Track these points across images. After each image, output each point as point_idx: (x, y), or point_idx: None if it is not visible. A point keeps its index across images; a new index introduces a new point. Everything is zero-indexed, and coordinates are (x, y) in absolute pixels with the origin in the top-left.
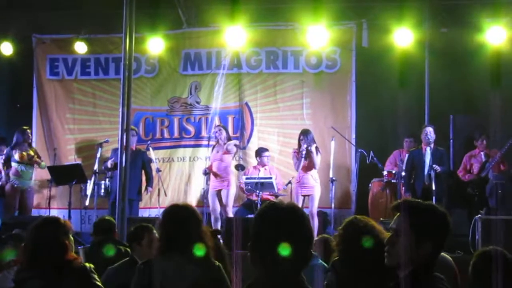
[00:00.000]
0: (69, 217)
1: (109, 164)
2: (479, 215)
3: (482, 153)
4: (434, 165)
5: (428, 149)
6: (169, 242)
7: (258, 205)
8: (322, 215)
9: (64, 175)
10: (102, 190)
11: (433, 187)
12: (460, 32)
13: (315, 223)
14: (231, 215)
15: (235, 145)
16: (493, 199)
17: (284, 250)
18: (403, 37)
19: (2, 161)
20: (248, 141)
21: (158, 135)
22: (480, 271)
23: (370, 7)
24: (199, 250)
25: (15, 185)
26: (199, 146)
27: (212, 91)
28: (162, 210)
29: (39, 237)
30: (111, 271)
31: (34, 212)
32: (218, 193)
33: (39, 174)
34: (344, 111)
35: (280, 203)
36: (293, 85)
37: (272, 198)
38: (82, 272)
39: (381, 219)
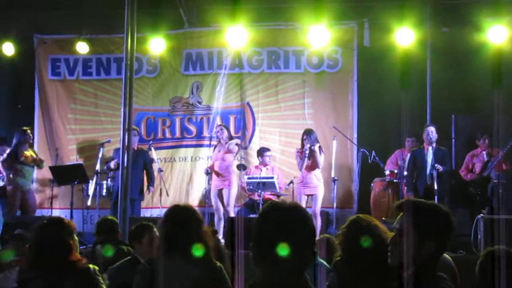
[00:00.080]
0: (71, 217)
1: (112, 164)
2: (481, 215)
3: (484, 152)
4: (436, 165)
5: (430, 148)
6: (170, 243)
7: (260, 205)
8: (324, 214)
9: (66, 175)
10: (104, 190)
11: (435, 187)
12: (461, 31)
13: (318, 223)
14: (232, 214)
15: (237, 144)
16: (495, 198)
17: (287, 250)
18: (405, 36)
19: (3, 161)
20: (250, 141)
21: (159, 135)
22: (486, 270)
23: (371, 6)
24: (200, 251)
25: (18, 185)
26: (200, 146)
27: (213, 91)
28: (164, 210)
29: (43, 237)
30: (112, 271)
31: (36, 212)
32: (220, 193)
33: (41, 173)
34: (345, 111)
35: (283, 202)
36: (294, 85)
37: (274, 198)
38: (85, 273)
39: (383, 218)
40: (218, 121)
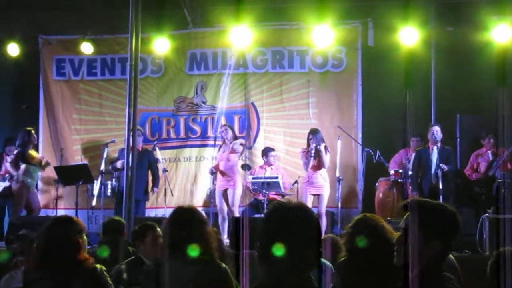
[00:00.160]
0: (76, 217)
1: (119, 164)
2: (487, 214)
3: (489, 152)
4: (441, 164)
5: (435, 148)
6: (174, 244)
7: (265, 204)
8: (329, 214)
9: (71, 176)
10: (109, 190)
11: (440, 186)
12: (466, 30)
13: (324, 222)
14: (237, 214)
15: (241, 144)
16: (500, 198)
17: (293, 250)
18: (409, 36)
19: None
20: (254, 140)
21: (164, 135)
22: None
23: (376, 6)
24: (203, 252)
25: (25, 185)
26: (205, 146)
27: (218, 91)
28: (168, 210)
29: (52, 236)
30: (116, 270)
31: (41, 212)
32: (225, 193)
33: (46, 173)
34: (350, 110)
35: (288, 202)
36: (299, 84)
37: (278, 198)
38: (93, 273)
39: (388, 218)
40: (222, 121)
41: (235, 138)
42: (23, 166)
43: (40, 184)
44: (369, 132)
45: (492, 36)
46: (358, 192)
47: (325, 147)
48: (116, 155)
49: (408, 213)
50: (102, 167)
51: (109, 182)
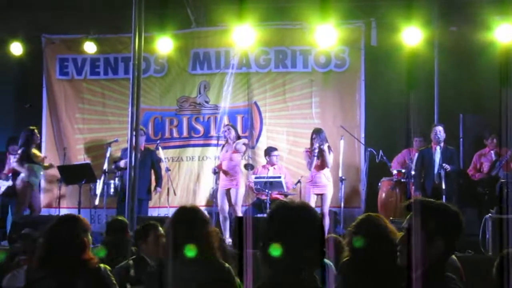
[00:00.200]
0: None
1: (122, 164)
2: (489, 214)
3: (492, 151)
4: (444, 164)
5: (438, 148)
6: (177, 244)
7: (268, 204)
8: (331, 214)
9: (74, 175)
10: (112, 190)
11: (443, 186)
12: (469, 30)
13: (327, 222)
14: (240, 214)
15: (244, 143)
16: (504, 198)
17: (296, 249)
18: (412, 35)
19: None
20: (257, 140)
21: (167, 135)
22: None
23: (379, 5)
24: (206, 251)
25: (29, 184)
26: (208, 145)
27: (221, 90)
28: (171, 209)
29: (57, 235)
30: (118, 270)
31: (44, 212)
32: (228, 192)
33: (49, 172)
34: (353, 110)
35: (291, 202)
36: (302, 84)
37: (281, 198)
38: (97, 273)
39: (391, 218)
40: (225, 120)
41: (238, 137)
42: (27, 165)
43: (43, 183)
44: (372, 132)
45: (495, 36)
46: (361, 192)
47: (329, 147)
48: (119, 154)
49: (411, 213)
50: (105, 166)
51: (112, 182)
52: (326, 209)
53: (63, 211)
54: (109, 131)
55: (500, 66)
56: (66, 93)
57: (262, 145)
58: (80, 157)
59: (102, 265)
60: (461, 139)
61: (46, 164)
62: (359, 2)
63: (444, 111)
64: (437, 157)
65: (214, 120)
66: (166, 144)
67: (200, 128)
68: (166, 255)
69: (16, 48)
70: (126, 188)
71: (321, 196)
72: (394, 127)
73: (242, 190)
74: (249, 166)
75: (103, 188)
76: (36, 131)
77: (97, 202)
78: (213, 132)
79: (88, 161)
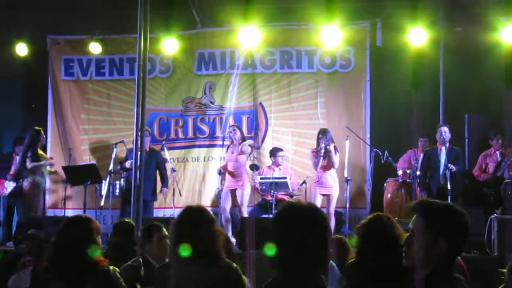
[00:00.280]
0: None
1: (128, 164)
2: (495, 215)
3: (497, 152)
4: (449, 165)
5: (443, 148)
6: (183, 244)
7: (273, 205)
8: (337, 214)
9: (79, 176)
10: (117, 190)
11: (449, 187)
12: (474, 31)
13: (332, 223)
14: (246, 215)
15: (250, 145)
16: (509, 198)
17: (302, 250)
18: (417, 36)
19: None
20: (263, 141)
21: (172, 135)
22: None
23: (384, 6)
24: (212, 251)
25: (37, 184)
26: (213, 146)
27: (226, 91)
28: (177, 210)
29: (67, 236)
30: (122, 271)
31: (49, 212)
32: (233, 192)
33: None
34: (358, 111)
35: (298, 203)
36: (307, 84)
37: (287, 198)
38: (105, 275)
39: (397, 218)
40: (230, 121)
41: (243, 138)
42: (31, 165)
43: (48, 184)
44: (377, 132)
45: (500, 37)
46: (366, 193)
47: (335, 147)
48: (124, 155)
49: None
50: (111, 167)
51: (117, 182)
52: (332, 210)
53: (69, 212)
54: (114, 131)
55: (506, 66)
56: (72, 94)
57: (267, 146)
58: (85, 158)
59: (111, 267)
60: (467, 140)
61: (51, 169)
62: (365, 2)
63: (450, 112)
64: (443, 157)
65: (219, 121)
66: (171, 145)
67: (205, 128)
68: (173, 255)
69: (22, 49)
70: (131, 189)
71: (327, 196)
72: (399, 128)
73: (247, 191)
74: (254, 167)
75: (108, 189)
76: (41, 131)
77: (102, 203)
78: (218, 133)
79: (93, 161)
